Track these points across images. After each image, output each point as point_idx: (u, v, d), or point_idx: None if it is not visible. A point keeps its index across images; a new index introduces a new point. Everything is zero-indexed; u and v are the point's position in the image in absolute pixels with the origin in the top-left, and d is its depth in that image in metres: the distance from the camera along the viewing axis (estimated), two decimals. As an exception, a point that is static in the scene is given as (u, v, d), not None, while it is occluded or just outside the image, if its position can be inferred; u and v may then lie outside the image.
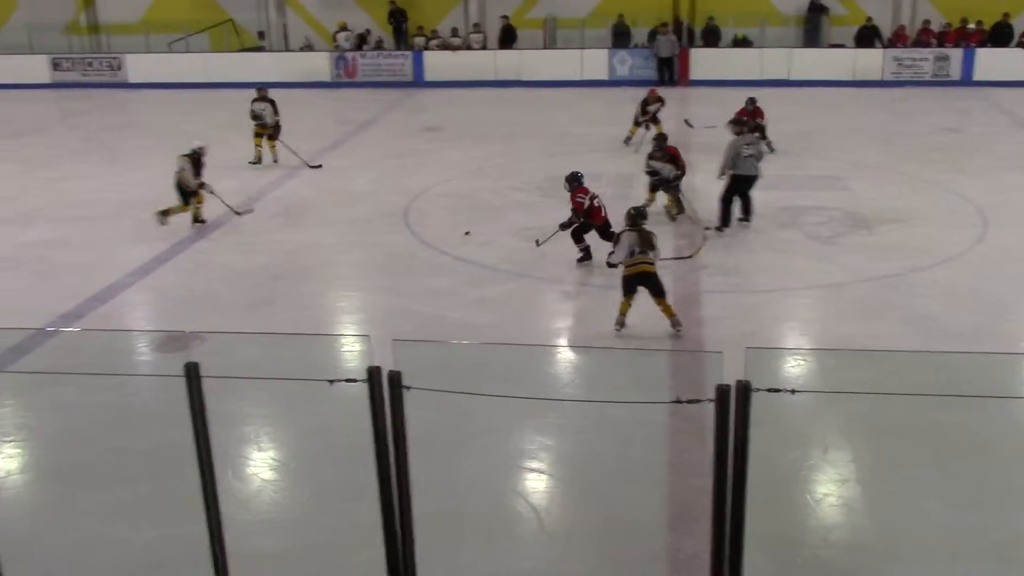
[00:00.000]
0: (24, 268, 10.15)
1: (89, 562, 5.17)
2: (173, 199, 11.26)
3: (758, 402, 3.54)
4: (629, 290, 7.91)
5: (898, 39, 23.19)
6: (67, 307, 8.89)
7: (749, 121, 12.94)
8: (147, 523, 5.42)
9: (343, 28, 24.99)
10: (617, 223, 8.76)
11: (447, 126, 18.65)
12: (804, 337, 8.27)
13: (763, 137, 13.91)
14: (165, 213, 11.15)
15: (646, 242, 7.93)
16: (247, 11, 25.96)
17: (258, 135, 14.81)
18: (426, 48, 24.56)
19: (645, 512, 5.52)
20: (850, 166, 14.36)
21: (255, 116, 14.78)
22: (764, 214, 11.16)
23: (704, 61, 23.29)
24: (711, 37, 23.93)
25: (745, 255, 10.28)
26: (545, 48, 24.61)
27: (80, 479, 5.94)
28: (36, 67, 24.88)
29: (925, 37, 22.99)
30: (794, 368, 7.41)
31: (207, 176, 11.42)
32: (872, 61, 22.70)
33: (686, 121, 15.92)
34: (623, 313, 7.94)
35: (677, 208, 11.39)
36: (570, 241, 9.78)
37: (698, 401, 3.87)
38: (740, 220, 11.00)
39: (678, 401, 6.00)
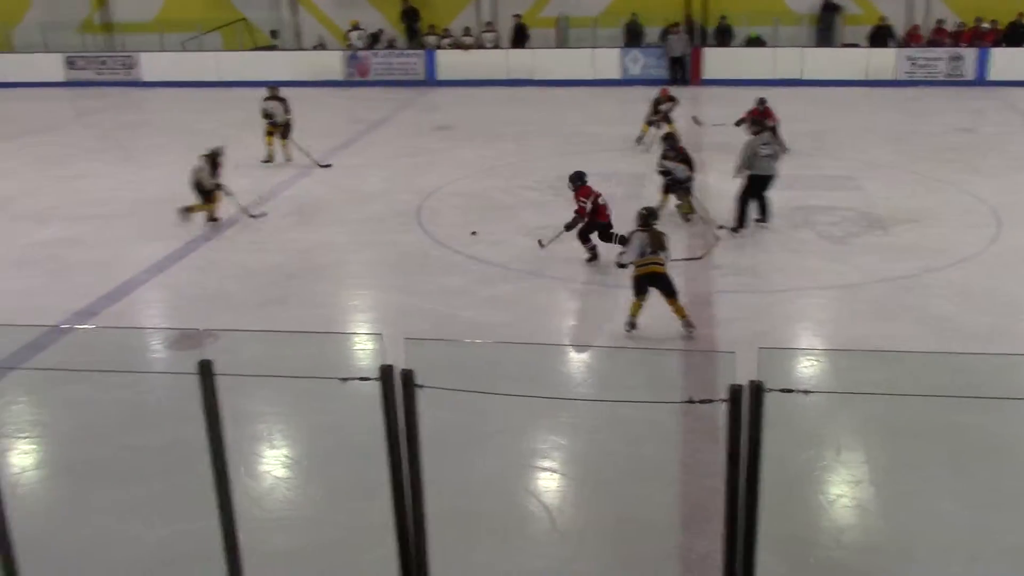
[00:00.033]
0: (39, 266, 10.20)
1: (103, 559, 5.20)
2: (188, 198, 11.34)
3: (771, 402, 3.53)
4: (640, 291, 7.89)
5: (912, 39, 23.05)
6: (81, 305, 8.95)
7: (763, 121, 12.88)
8: (160, 520, 5.44)
9: (356, 27, 25.03)
10: (628, 223, 8.75)
11: (459, 125, 18.65)
12: (817, 337, 8.24)
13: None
14: (189, 210, 11.30)
15: (657, 242, 7.91)
16: (260, 10, 26.06)
17: (269, 133, 14.89)
18: (438, 47, 24.58)
19: (657, 512, 5.51)
20: (863, 166, 14.30)
21: (267, 115, 14.85)
22: (777, 214, 11.12)
23: (716, 60, 23.21)
24: (723, 36, 23.87)
25: (758, 255, 10.25)
26: (557, 47, 24.57)
27: (94, 476, 5.97)
28: (50, 66, 25.00)
29: (939, 37, 22.84)
30: (807, 368, 7.39)
31: (223, 176, 11.48)
32: (886, 61, 22.56)
33: (694, 118, 15.88)
34: (634, 314, 7.91)
35: (689, 208, 11.37)
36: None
37: (711, 401, 3.86)
38: (757, 221, 10.95)
39: (691, 401, 6.01)
